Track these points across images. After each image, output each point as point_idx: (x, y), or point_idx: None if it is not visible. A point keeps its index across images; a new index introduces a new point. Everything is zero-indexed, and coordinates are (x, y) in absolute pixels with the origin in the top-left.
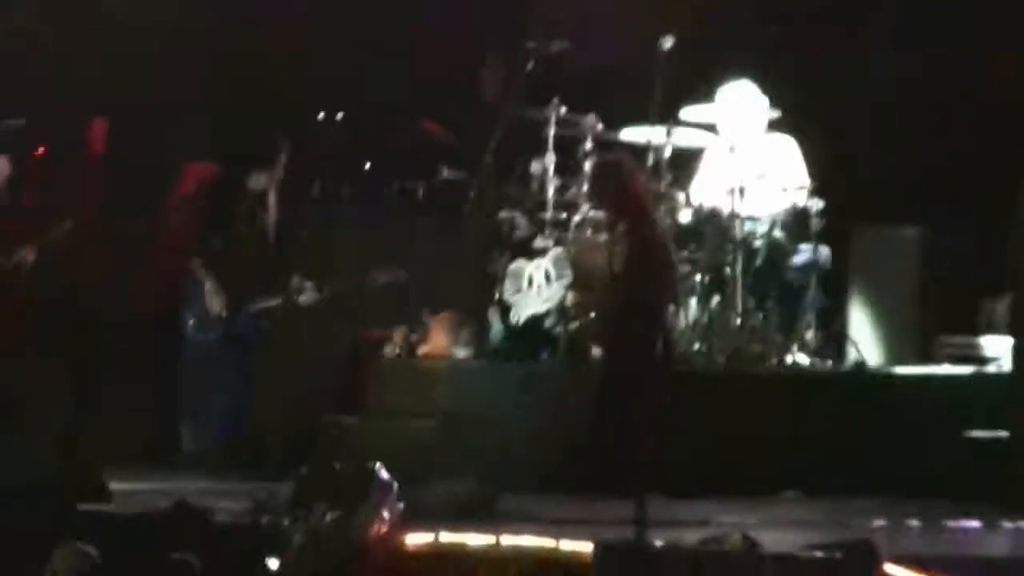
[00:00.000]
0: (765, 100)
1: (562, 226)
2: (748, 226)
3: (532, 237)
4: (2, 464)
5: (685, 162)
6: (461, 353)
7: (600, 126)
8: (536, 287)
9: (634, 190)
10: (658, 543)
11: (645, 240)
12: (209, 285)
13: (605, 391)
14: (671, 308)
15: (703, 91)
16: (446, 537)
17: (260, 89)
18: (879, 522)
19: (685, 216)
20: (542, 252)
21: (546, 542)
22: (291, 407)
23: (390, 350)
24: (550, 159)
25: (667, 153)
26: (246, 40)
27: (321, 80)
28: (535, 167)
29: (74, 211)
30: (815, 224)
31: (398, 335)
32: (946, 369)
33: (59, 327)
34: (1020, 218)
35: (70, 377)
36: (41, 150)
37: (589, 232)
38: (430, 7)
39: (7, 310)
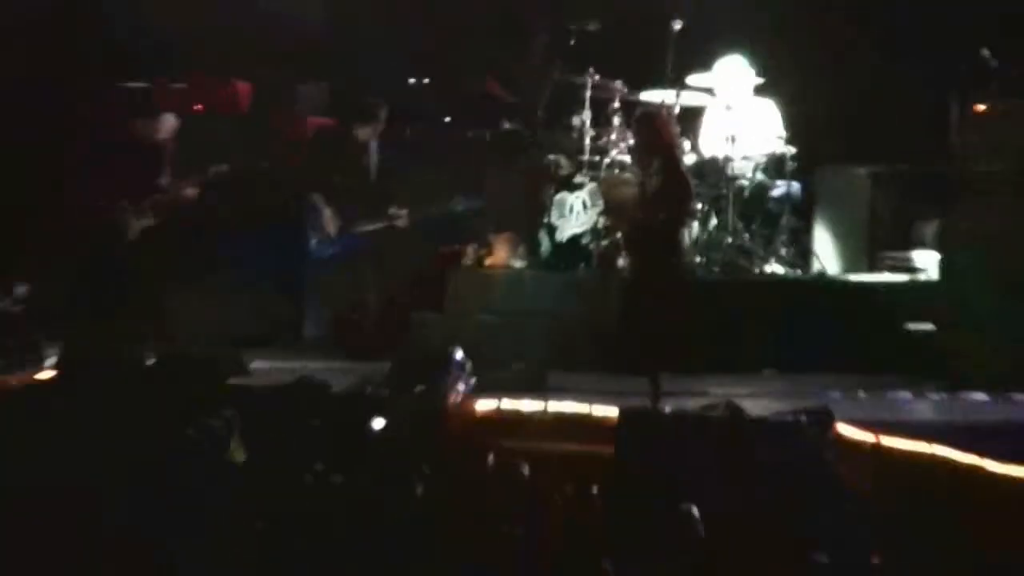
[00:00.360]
0: (751, 71)
1: (595, 166)
2: (738, 167)
3: (572, 174)
4: (172, 344)
5: (690, 117)
6: (517, 264)
7: (625, 89)
8: (575, 213)
9: (666, 134)
10: (667, 409)
11: (674, 173)
12: (327, 212)
13: (629, 292)
14: (685, 228)
15: (704, 62)
16: (506, 404)
17: (365, 61)
18: (835, 393)
19: (690, 159)
20: (580, 186)
21: (582, 408)
22: (388, 306)
23: (464, 262)
24: (587, 114)
25: (676, 111)
26: (353, 27)
27: (411, 53)
28: (575, 120)
29: (224, 157)
30: (789, 166)
31: (470, 250)
32: (887, 277)
33: (212, 244)
34: (948, 158)
35: (220, 280)
36: (200, 107)
37: (616, 171)
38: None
39: (177, 230)
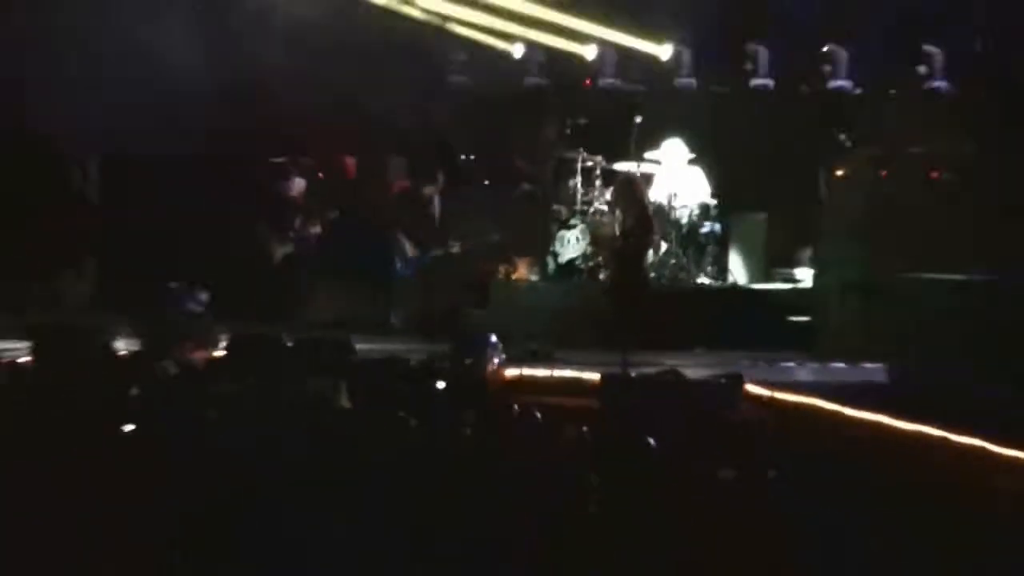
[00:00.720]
0: (686, 148)
1: (584, 213)
2: (678, 213)
3: (569, 218)
4: (303, 330)
5: (647, 179)
6: (533, 278)
7: (603, 162)
8: (571, 244)
9: (639, 192)
10: (633, 374)
11: (641, 216)
12: (407, 243)
13: (607, 297)
14: (646, 253)
15: (655, 143)
16: (526, 371)
17: (431, 144)
18: (744, 363)
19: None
20: (574, 226)
21: (577, 373)
22: (447, 305)
23: (498, 276)
24: (578, 179)
25: (640, 175)
26: (424, 125)
27: (464, 139)
28: (571, 183)
29: (339, 206)
30: (712, 212)
31: (501, 269)
32: (778, 286)
33: (329, 264)
34: (815, 206)
35: (335, 288)
36: (321, 175)
37: (598, 216)
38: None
39: (306, 255)
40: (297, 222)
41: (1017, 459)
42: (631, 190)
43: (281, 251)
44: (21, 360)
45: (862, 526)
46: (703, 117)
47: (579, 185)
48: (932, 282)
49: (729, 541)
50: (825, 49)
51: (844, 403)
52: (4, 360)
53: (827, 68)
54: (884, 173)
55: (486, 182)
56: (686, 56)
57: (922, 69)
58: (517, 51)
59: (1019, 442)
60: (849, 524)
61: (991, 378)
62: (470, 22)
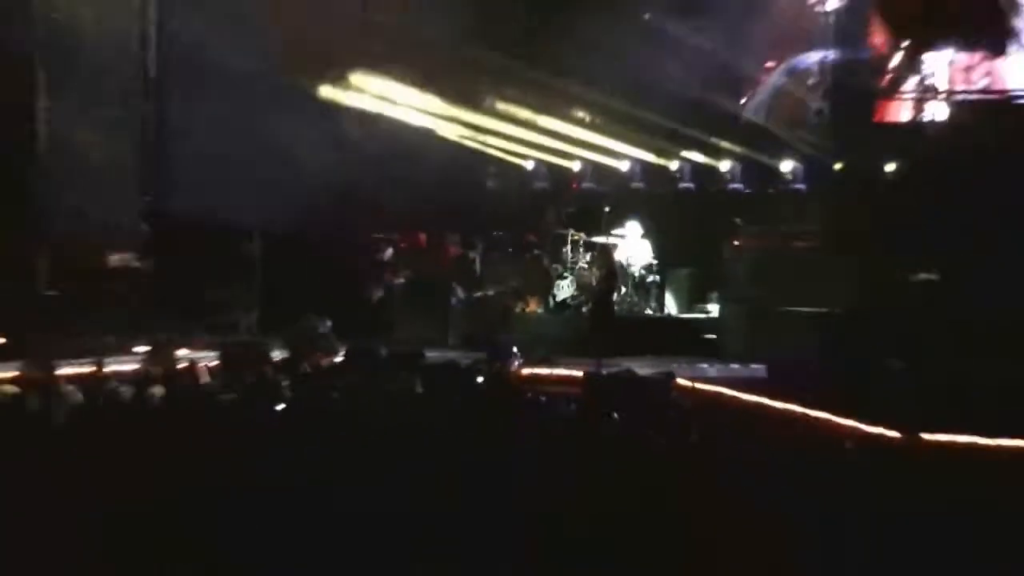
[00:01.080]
0: (640, 228)
1: (572, 269)
2: (633, 268)
3: (563, 272)
4: (395, 347)
5: (614, 247)
6: (540, 311)
7: (585, 235)
8: (564, 289)
9: (608, 254)
10: (604, 372)
11: (610, 270)
12: (458, 288)
13: (589, 323)
14: (613, 294)
15: (620, 224)
16: (536, 370)
17: (473, 225)
18: (675, 365)
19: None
20: (566, 278)
21: (568, 371)
22: (484, 330)
23: (516, 310)
24: (569, 246)
25: (609, 243)
26: (468, 210)
27: (496, 222)
28: (564, 249)
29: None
30: (654, 267)
31: (519, 305)
32: (696, 315)
33: (411, 302)
34: (720, 264)
35: (410, 316)
36: (403, 245)
37: (582, 271)
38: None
39: (394, 295)
40: (387, 275)
41: (852, 426)
42: (604, 254)
43: (377, 294)
44: (212, 364)
45: (750, 468)
46: (649, 208)
47: (569, 251)
48: (794, 312)
49: (664, 482)
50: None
51: (738, 390)
52: (205, 365)
53: (727, 176)
54: (764, 242)
55: (509, 250)
56: (637, 169)
57: (788, 175)
58: (528, 165)
59: (854, 414)
60: (743, 470)
61: (835, 375)
62: (499, 147)
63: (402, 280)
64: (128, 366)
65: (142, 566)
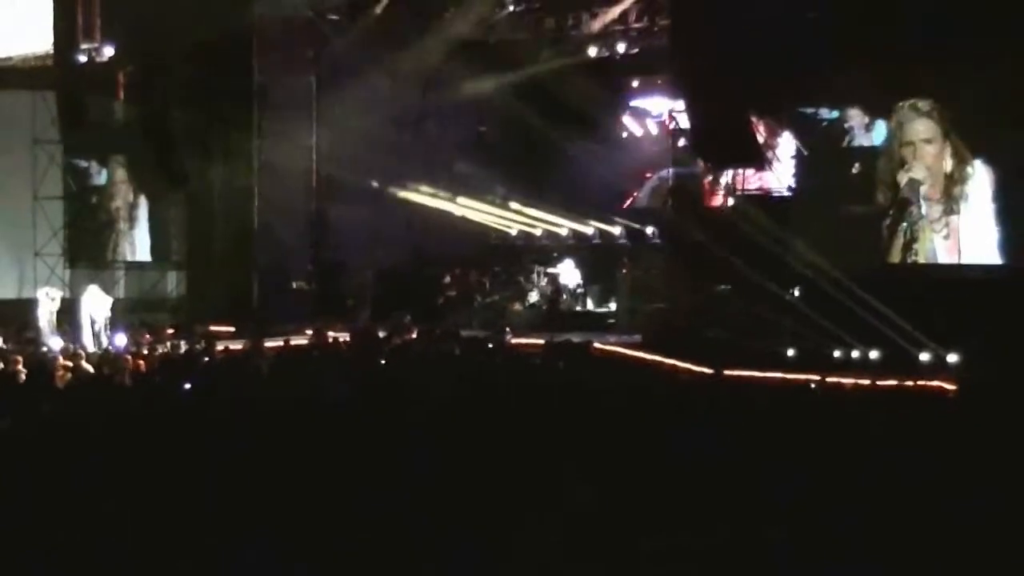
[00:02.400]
0: (571, 262)
1: (536, 286)
2: (568, 285)
3: (531, 288)
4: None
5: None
6: (519, 308)
7: (542, 267)
8: (533, 296)
9: (556, 278)
10: (555, 340)
11: (556, 286)
12: (478, 296)
13: (546, 314)
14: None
15: (562, 260)
16: (518, 340)
17: (480, 263)
18: (591, 336)
19: None
20: (533, 290)
21: (533, 340)
22: (493, 319)
23: (510, 307)
24: (535, 274)
25: (555, 272)
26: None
27: (491, 260)
28: (532, 276)
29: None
30: (579, 284)
31: (511, 305)
32: (605, 309)
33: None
34: (615, 280)
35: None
36: (451, 275)
37: (542, 287)
38: None
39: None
40: (441, 291)
41: (682, 365)
42: (553, 278)
43: (437, 301)
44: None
45: (634, 403)
46: (577, 253)
47: (535, 277)
48: (652, 307)
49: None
50: None
51: (624, 348)
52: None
53: (618, 236)
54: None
55: (503, 277)
56: (569, 232)
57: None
58: (512, 231)
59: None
60: (628, 403)
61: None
62: (495, 222)
63: (454, 293)
64: (303, 339)
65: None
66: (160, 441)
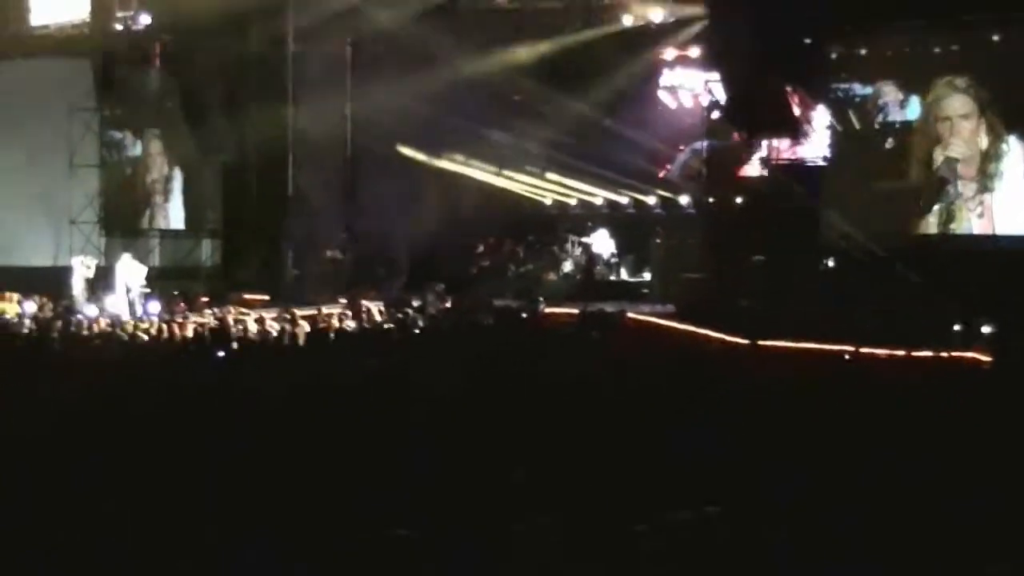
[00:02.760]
0: (605, 232)
1: (570, 256)
2: (603, 255)
3: (565, 257)
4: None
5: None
6: (553, 278)
7: (576, 237)
8: (567, 266)
9: (589, 248)
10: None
11: (590, 256)
12: (511, 265)
13: (580, 284)
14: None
15: (596, 229)
16: (554, 310)
17: (514, 231)
18: (626, 305)
19: None
20: (567, 260)
21: (570, 310)
22: (527, 288)
23: (544, 277)
24: (569, 244)
25: (588, 241)
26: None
27: (525, 229)
28: (566, 246)
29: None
30: (614, 254)
31: (544, 274)
32: (639, 279)
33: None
34: (649, 250)
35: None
36: (484, 245)
37: (576, 257)
38: None
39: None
40: (476, 260)
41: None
42: (586, 248)
43: (471, 271)
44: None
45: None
46: (611, 222)
47: (569, 247)
48: (686, 277)
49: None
50: None
51: (659, 318)
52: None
53: (653, 206)
54: (675, 242)
55: (537, 246)
56: (603, 203)
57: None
58: (547, 201)
59: (750, 337)
60: (664, 367)
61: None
62: (529, 192)
63: (488, 263)
64: (336, 309)
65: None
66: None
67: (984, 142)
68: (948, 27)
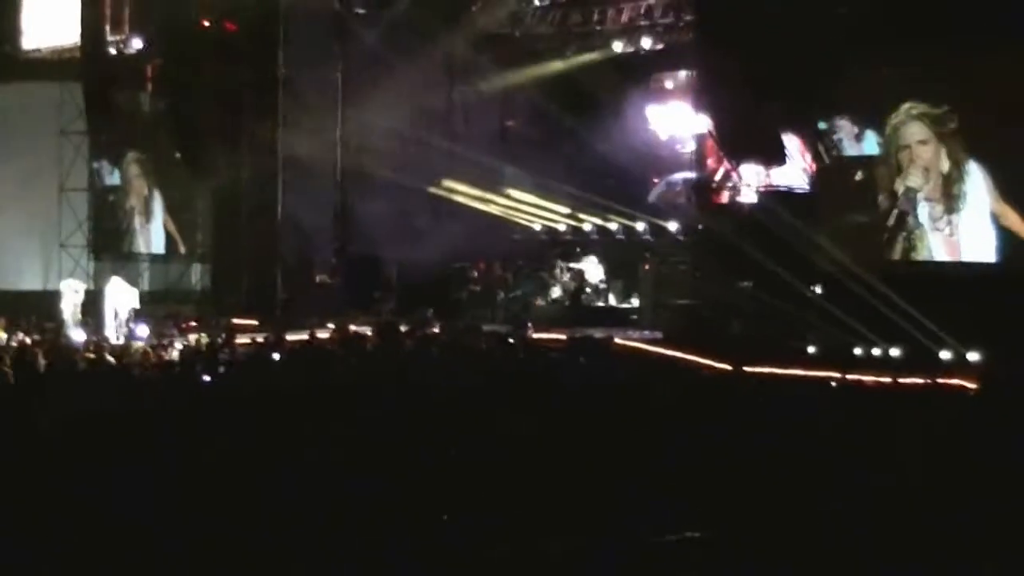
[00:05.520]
0: (595, 257)
1: (559, 281)
2: (592, 280)
3: (553, 283)
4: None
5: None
6: (541, 303)
7: (564, 263)
8: (555, 291)
9: (580, 272)
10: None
11: (579, 281)
12: (500, 290)
13: (568, 308)
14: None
15: (587, 255)
16: (538, 335)
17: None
18: (615, 331)
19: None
20: (555, 285)
21: (554, 336)
22: (516, 313)
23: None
24: (557, 269)
25: (577, 267)
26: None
27: (514, 255)
28: (554, 271)
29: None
30: (603, 279)
31: (533, 300)
32: (628, 305)
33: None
34: (636, 276)
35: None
36: (476, 269)
37: (565, 282)
38: None
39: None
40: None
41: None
42: (576, 272)
43: (459, 296)
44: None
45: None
46: (601, 248)
47: (558, 272)
48: (674, 303)
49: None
50: None
51: (646, 344)
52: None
53: (642, 232)
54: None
55: (525, 271)
56: (593, 229)
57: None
58: (536, 226)
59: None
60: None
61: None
62: (518, 217)
63: (479, 288)
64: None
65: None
66: (174, 433)
67: (945, 165)
68: (904, 57)
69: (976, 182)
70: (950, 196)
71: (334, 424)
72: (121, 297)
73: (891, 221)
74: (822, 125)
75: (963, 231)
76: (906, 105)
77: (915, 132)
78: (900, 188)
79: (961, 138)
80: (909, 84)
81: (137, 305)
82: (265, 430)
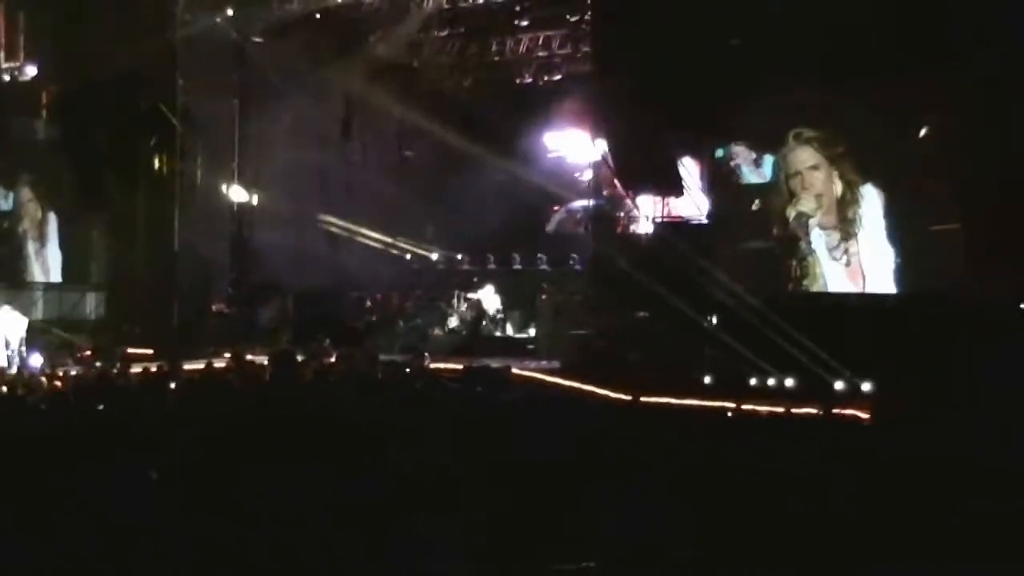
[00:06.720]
0: (492, 287)
1: (457, 311)
2: (489, 310)
3: (451, 313)
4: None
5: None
6: (439, 333)
7: (463, 293)
8: (453, 321)
9: (479, 303)
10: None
11: (478, 311)
12: (401, 322)
13: (465, 339)
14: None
15: (484, 285)
16: (438, 365)
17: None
18: (510, 361)
19: None
20: (453, 315)
21: (452, 366)
22: (414, 344)
23: (431, 332)
24: (455, 300)
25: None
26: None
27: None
28: (452, 301)
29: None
30: (500, 310)
31: (431, 329)
32: (525, 335)
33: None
34: (534, 306)
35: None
36: (374, 300)
37: (463, 312)
38: None
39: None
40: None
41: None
42: (474, 303)
43: (358, 325)
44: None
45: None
46: (501, 280)
47: (455, 302)
48: (572, 334)
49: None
50: None
51: (543, 374)
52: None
53: (539, 261)
54: (560, 297)
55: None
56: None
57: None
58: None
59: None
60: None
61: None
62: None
63: (372, 317)
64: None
65: None
66: (70, 462)
67: (838, 189)
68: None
69: (872, 203)
70: (845, 220)
71: (229, 452)
72: (11, 325)
73: (784, 249)
74: (719, 152)
75: (862, 258)
76: (794, 131)
77: (805, 158)
78: (792, 214)
79: (851, 160)
80: (795, 112)
81: (24, 334)
82: (160, 458)
